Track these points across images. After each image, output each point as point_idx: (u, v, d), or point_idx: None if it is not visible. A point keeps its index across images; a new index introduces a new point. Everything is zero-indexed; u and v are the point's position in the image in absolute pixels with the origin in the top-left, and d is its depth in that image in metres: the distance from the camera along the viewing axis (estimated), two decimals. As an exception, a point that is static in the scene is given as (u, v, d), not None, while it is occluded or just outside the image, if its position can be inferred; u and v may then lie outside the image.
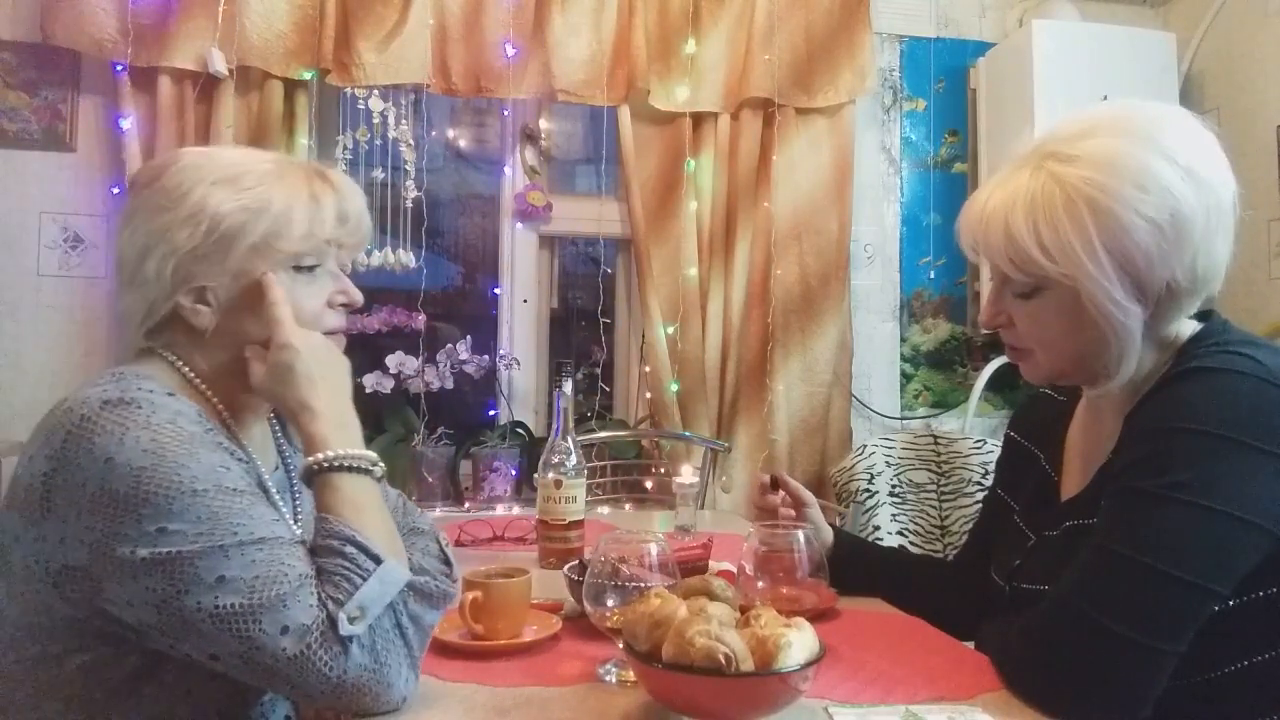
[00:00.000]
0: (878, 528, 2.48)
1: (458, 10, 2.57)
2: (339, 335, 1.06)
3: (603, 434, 2.56)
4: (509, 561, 1.34)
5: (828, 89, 2.76)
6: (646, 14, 2.65)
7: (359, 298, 1.07)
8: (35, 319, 2.49)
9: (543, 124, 2.86)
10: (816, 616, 1.11)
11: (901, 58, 3.02)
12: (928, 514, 2.53)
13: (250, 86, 2.47)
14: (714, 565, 1.29)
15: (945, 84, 3.04)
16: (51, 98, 2.50)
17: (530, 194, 2.77)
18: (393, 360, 2.54)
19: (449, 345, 2.61)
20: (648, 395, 2.72)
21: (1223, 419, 0.90)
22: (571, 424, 1.54)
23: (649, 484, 2.61)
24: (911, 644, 1.12)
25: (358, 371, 1.13)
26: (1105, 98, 2.60)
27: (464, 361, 2.59)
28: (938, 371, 3.03)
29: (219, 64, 2.37)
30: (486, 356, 2.65)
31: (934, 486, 2.56)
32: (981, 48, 3.01)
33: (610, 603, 0.94)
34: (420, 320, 2.60)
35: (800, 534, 1.13)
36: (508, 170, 2.83)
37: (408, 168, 2.60)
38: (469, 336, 2.65)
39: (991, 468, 2.18)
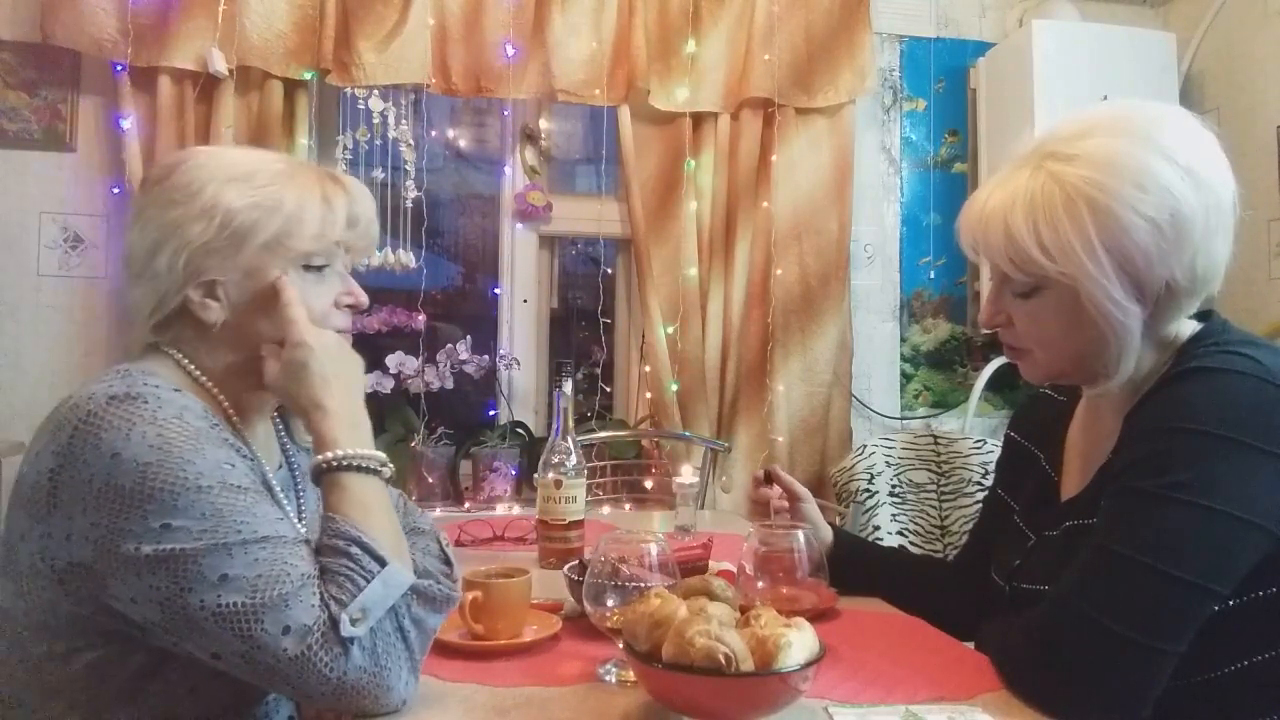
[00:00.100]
0: (878, 528, 2.48)
1: (458, 10, 2.57)
2: (345, 335, 1.07)
3: (603, 434, 2.56)
4: (509, 561, 1.34)
5: (828, 89, 2.76)
6: (646, 14, 2.65)
7: (365, 299, 1.08)
8: (35, 319, 2.49)
9: (543, 124, 2.86)
10: (816, 616, 1.11)
11: (901, 58, 3.02)
12: (928, 514, 2.53)
13: (250, 86, 2.47)
14: (714, 565, 1.29)
15: (945, 84, 3.04)
16: (51, 98, 2.50)
17: (530, 194, 2.77)
18: (393, 360, 2.54)
19: (449, 345, 2.61)
20: (648, 395, 2.72)
21: (1223, 419, 0.90)
22: (571, 424, 1.54)
23: (649, 484, 2.61)
24: (911, 644, 1.12)
25: (358, 371, 1.13)
26: (1105, 98, 2.60)
27: (464, 361, 2.59)
28: (938, 371, 3.03)
29: (219, 64, 2.37)
30: (486, 356, 2.65)
31: (934, 486, 2.56)
32: (981, 48, 3.01)
33: (610, 603, 0.94)
34: (420, 320, 2.60)
35: (800, 534, 1.13)
36: (508, 170, 2.83)
37: (408, 168, 2.60)
38: (469, 336, 2.65)
39: (991, 468, 2.18)
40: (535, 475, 1.53)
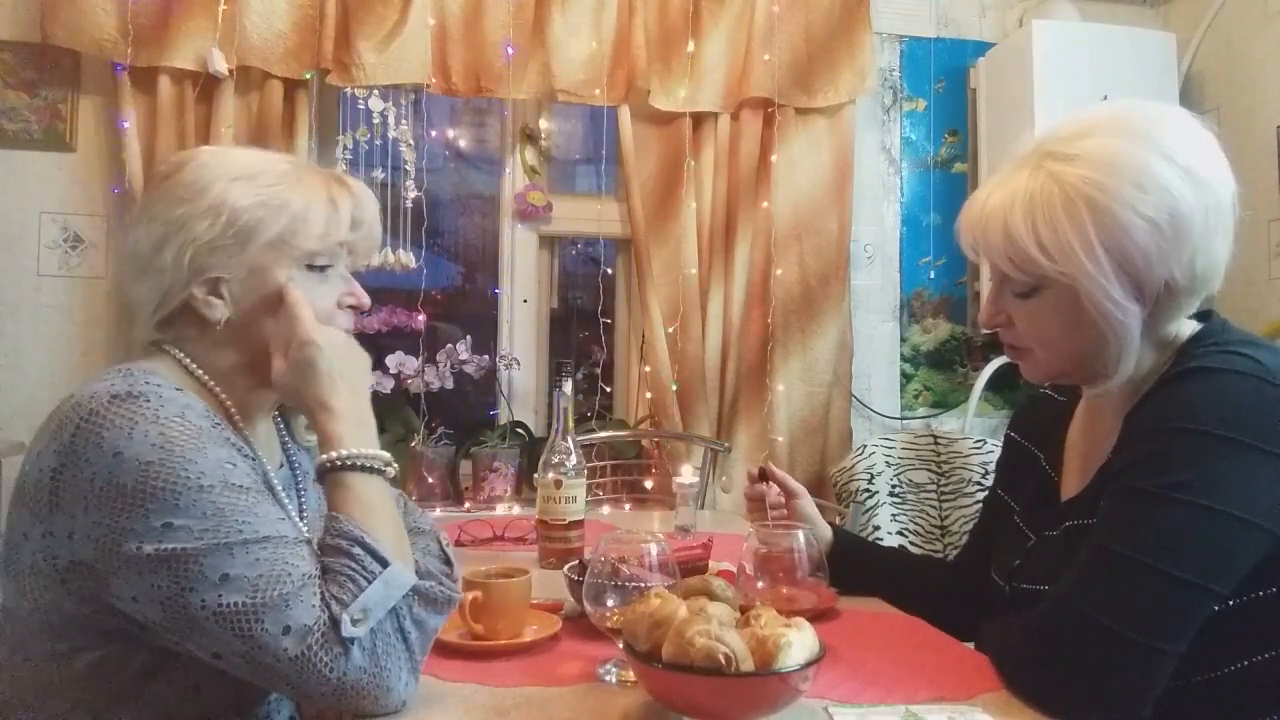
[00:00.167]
0: (878, 528, 2.48)
1: (458, 10, 2.57)
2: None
3: (603, 434, 2.57)
4: (509, 561, 1.34)
5: (828, 89, 2.76)
6: (646, 14, 2.65)
7: (367, 300, 1.08)
8: (35, 319, 2.49)
9: (543, 124, 2.86)
10: (816, 616, 1.11)
11: (901, 58, 3.02)
12: (928, 514, 2.53)
13: (250, 86, 2.47)
14: (714, 565, 1.29)
15: (945, 84, 3.04)
16: (51, 98, 2.50)
17: (530, 194, 2.77)
18: (393, 360, 2.54)
19: (449, 345, 2.61)
20: (648, 395, 2.72)
21: (1223, 419, 0.90)
22: (571, 424, 1.54)
23: (649, 484, 2.61)
24: (911, 644, 1.12)
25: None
26: (1105, 98, 2.60)
27: (464, 361, 2.59)
28: (938, 371, 3.03)
29: (219, 64, 2.37)
30: (486, 356, 2.65)
31: (934, 486, 2.56)
32: (981, 48, 3.01)
33: (610, 603, 0.94)
34: (420, 320, 2.60)
35: (800, 534, 1.13)
36: (508, 170, 2.83)
37: (408, 168, 2.60)
38: (469, 336, 2.65)
39: (991, 468, 2.18)
40: (535, 475, 1.53)
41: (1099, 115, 1.02)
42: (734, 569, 1.21)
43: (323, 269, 1.03)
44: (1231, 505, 0.88)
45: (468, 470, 2.56)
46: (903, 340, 3.01)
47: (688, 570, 1.08)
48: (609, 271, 2.88)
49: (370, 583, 0.84)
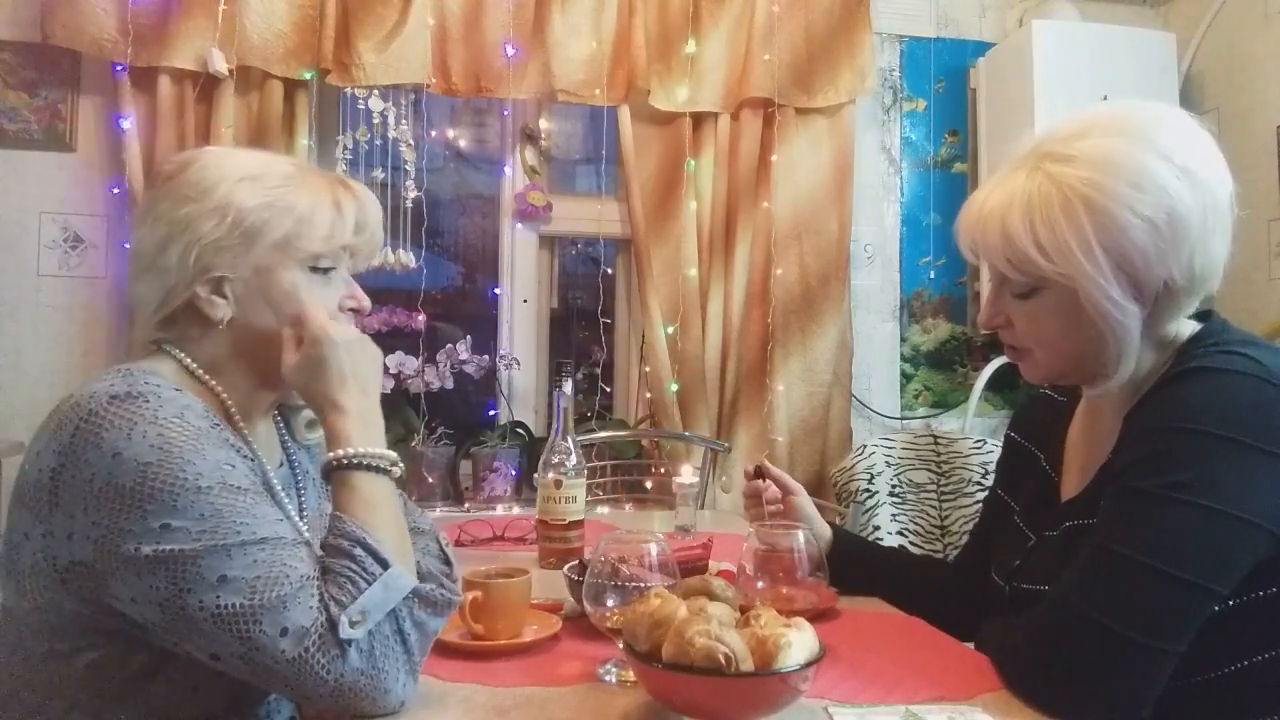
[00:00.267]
0: (878, 528, 2.48)
1: (458, 10, 2.57)
2: None
3: (603, 434, 2.57)
4: (509, 561, 1.34)
5: (828, 89, 2.76)
6: (646, 14, 2.65)
7: (368, 303, 1.09)
8: (35, 319, 2.49)
9: (543, 124, 2.86)
10: (816, 616, 1.11)
11: (901, 58, 3.02)
12: (928, 514, 2.53)
13: (250, 86, 2.47)
14: (714, 565, 1.29)
15: (945, 84, 3.04)
16: (51, 98, 2.50)
17: (530, 194, 2.77)
18: (393, 360, 2.54)
19: (449, 345, 2.61)
20: (648, 395, 2.72)
21: (1223, 419, 0.90)
22: (571, 424, 1.54)
23: (649, 484, 2.61)
24: (911, 644, 1.12)
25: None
26: (1105, 98, 2.60)
27: (464, 361, 2.59)
28: (938, 371, 3.03)
29: (219, 64, 2.37)
30: (486, 356, 2.65)
31: (934, 486, 2.56)
32: (981, 48, 3.01)
33: (610, 603, 0.94)
34: (420, 320, 2.60)
35: (800, 534, 1.13)
36: (508, 170, 2.83)
37: (408, 168, 2.60)
38: (469, 336, 2.65)
39: (991, 468, 2.18)
40: (535, 475, 1.53)
41: (1096, 116, 1.02)
42: (734, 569, 1.21)
43: (325, 271, 1.04)
44: (1231, 505, 0.88)
45: (468, 470, 2.56)
46: (903, 340, 3.01)
47: (688, 570, 1.08)
48: (609, 271, 2.89)
49: (370, 584, 0.84)
